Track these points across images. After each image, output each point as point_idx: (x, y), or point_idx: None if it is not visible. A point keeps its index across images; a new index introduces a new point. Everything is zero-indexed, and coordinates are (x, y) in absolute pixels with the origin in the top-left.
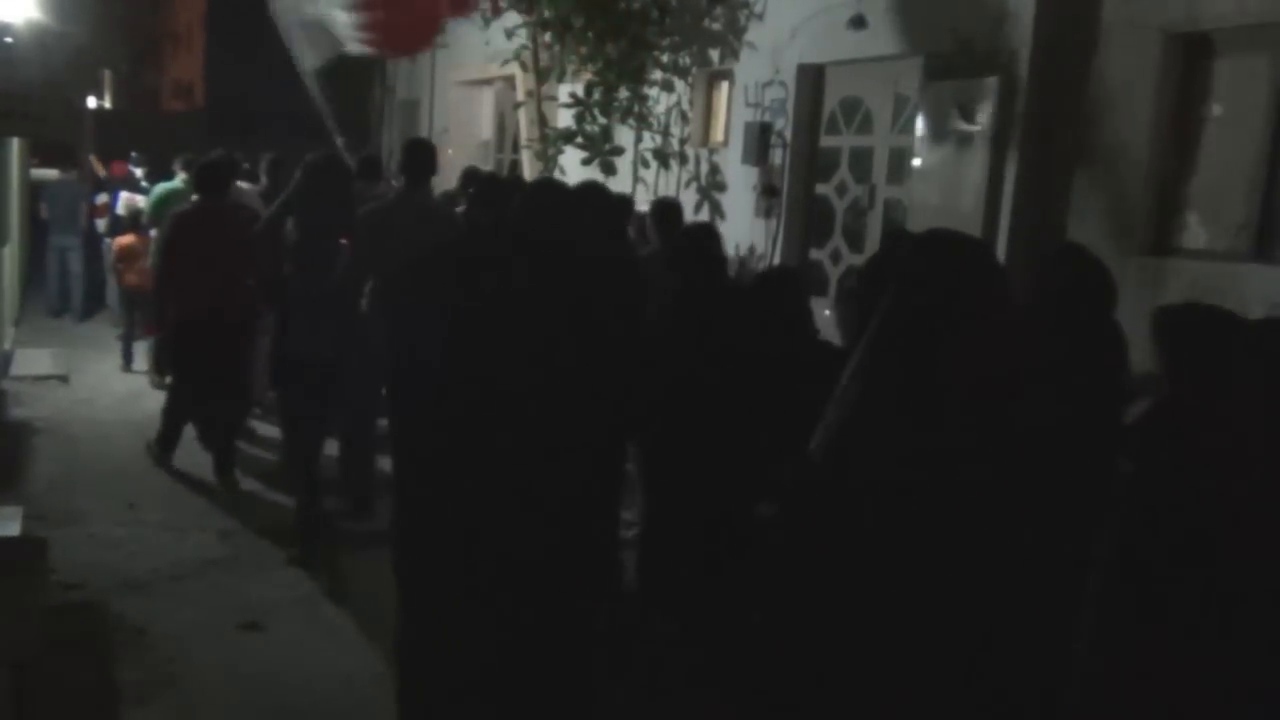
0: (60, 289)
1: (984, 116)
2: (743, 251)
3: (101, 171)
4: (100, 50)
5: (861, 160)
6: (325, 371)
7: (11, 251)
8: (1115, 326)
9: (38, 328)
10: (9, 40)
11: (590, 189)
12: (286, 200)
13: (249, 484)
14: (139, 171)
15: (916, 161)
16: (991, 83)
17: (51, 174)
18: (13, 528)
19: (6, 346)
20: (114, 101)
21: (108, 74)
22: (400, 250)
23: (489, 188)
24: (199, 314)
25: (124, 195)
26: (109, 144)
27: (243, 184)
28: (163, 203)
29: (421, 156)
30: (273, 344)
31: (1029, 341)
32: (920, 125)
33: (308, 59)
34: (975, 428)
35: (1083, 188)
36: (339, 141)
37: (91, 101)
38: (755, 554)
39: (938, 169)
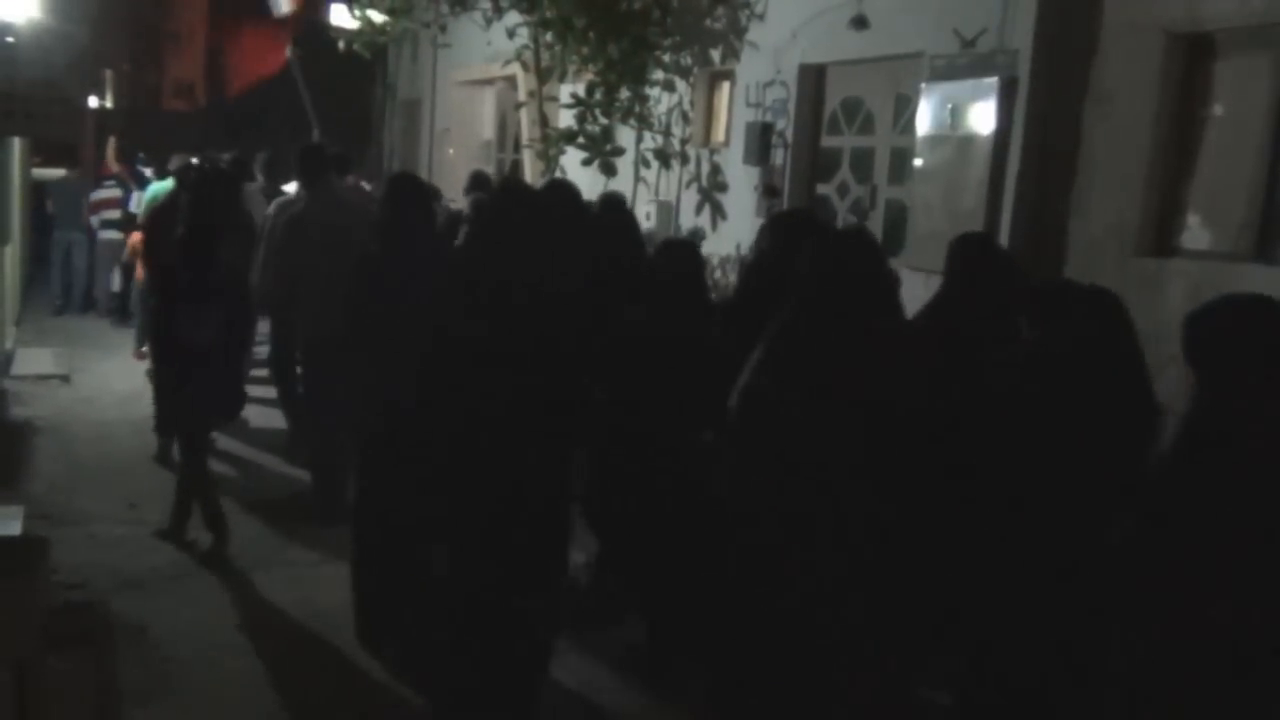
0: (63, 282)
1: (985, 117)
2: (743, 251)
3: (115, 166)
4: (102, 49)
5: (863, 160)
6: (203, 356)
7: (12, 251)
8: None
9: (39, 327)
10: (10, 40)
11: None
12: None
13: (246, 483)
14: (147, 171)
15: (918, 162)
16: (992, 83)
17: (57, 172)
18: (14, 527)
19: (8, 346)
20: (115, 100)
21: (109, 73)
22: (314, 248)
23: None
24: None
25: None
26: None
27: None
28: (155, 202)
29: (313, 162)
30: (154, 327)
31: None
32: (921, 125)
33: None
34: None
35: (1084, 188)
36: (314, 134)
37: (93, 101)
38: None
39: (939, 169)
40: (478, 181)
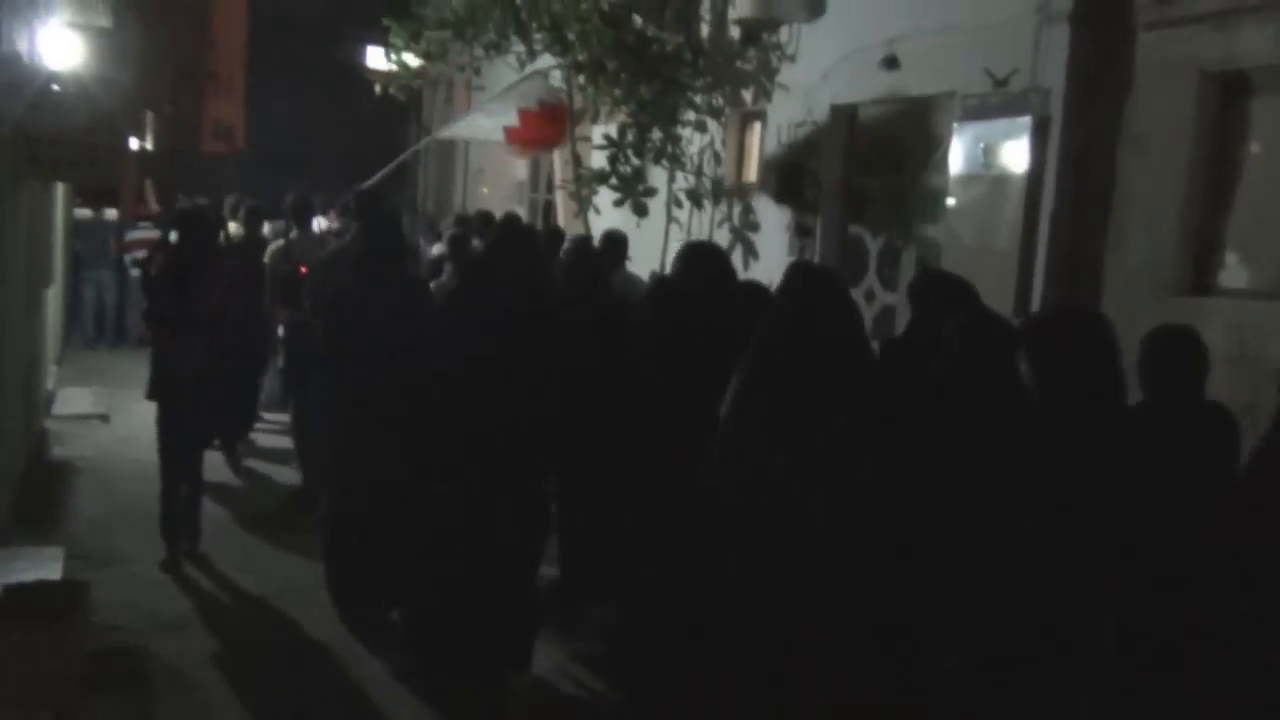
0: (96, 319)
1: (1018, 156)
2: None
3: (155, 207)
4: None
5: (895, 200)
6: (197, 385)
7: (55, 292)
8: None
9: (79, 366)
10: (56, 88)
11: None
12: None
13: (284, 523)
14: None
15: (951, 201)
16: (1025, 122)
17: (85, 213)
18: (55, 569)
19: (50, 386)
20: (155, 142)
21: (149, 114)
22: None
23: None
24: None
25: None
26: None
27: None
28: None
29: (365, 205)
30: (152, 360)
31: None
32: (954, 165)
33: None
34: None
35: (1119, 227)
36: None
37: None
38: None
39: (972, 208)
40: (459, 220)
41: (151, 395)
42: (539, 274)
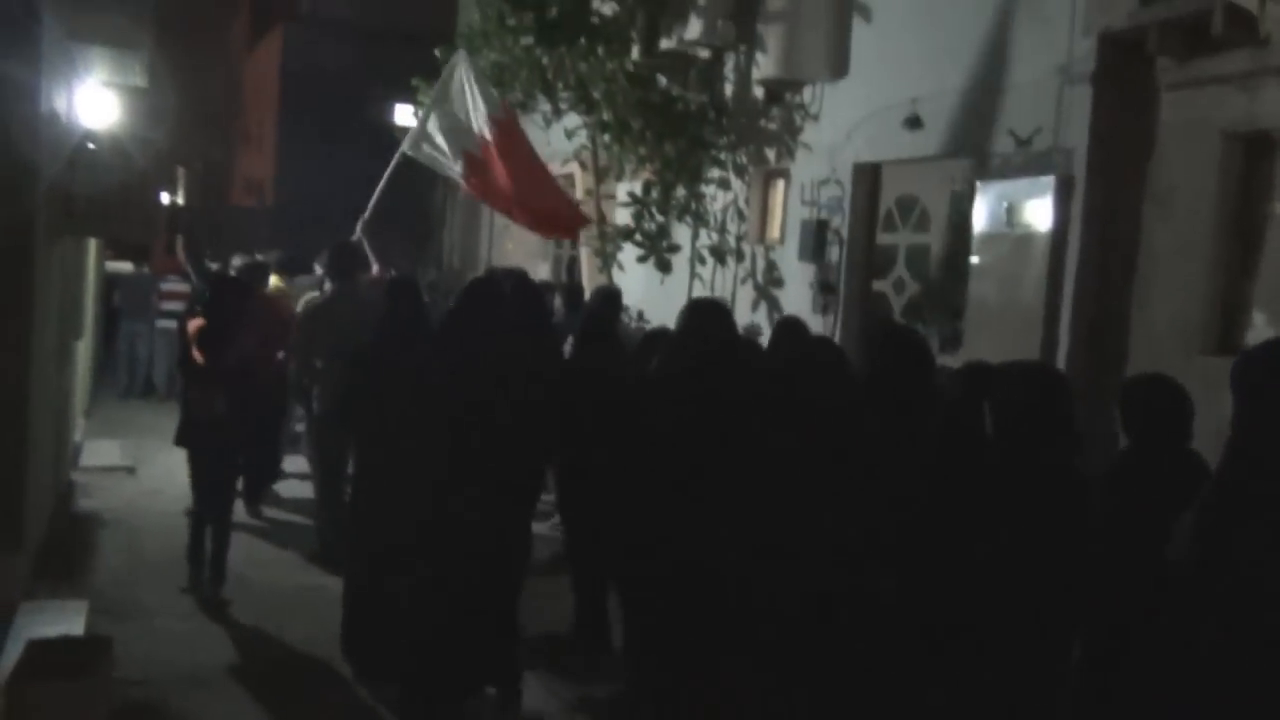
0: (129, 370)
1: (1042, 214)
2: None
3: (182, 258)
4: (177, 148)
5: (918, 257)
6: (222, 432)
7: (86, 345)
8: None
9: (107, 419)
10: (92, 146)
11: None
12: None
13: (306, 577)
14: (214, 266)
15: (974, 259)
16: (1049, 181)
17: (125, 266)
18: (78, 623)
19: (77, 438)
20: (186, 198)
21: (181, 170)
22: (338, 337)
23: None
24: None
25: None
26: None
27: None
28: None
29: (345, 258)
30: (182, 408)
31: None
32: (978, 223)
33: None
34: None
35: (1145, 286)
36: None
37: (165, 197)
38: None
39: (996, 266)
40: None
41: (180, 441)
42: (506, 327)
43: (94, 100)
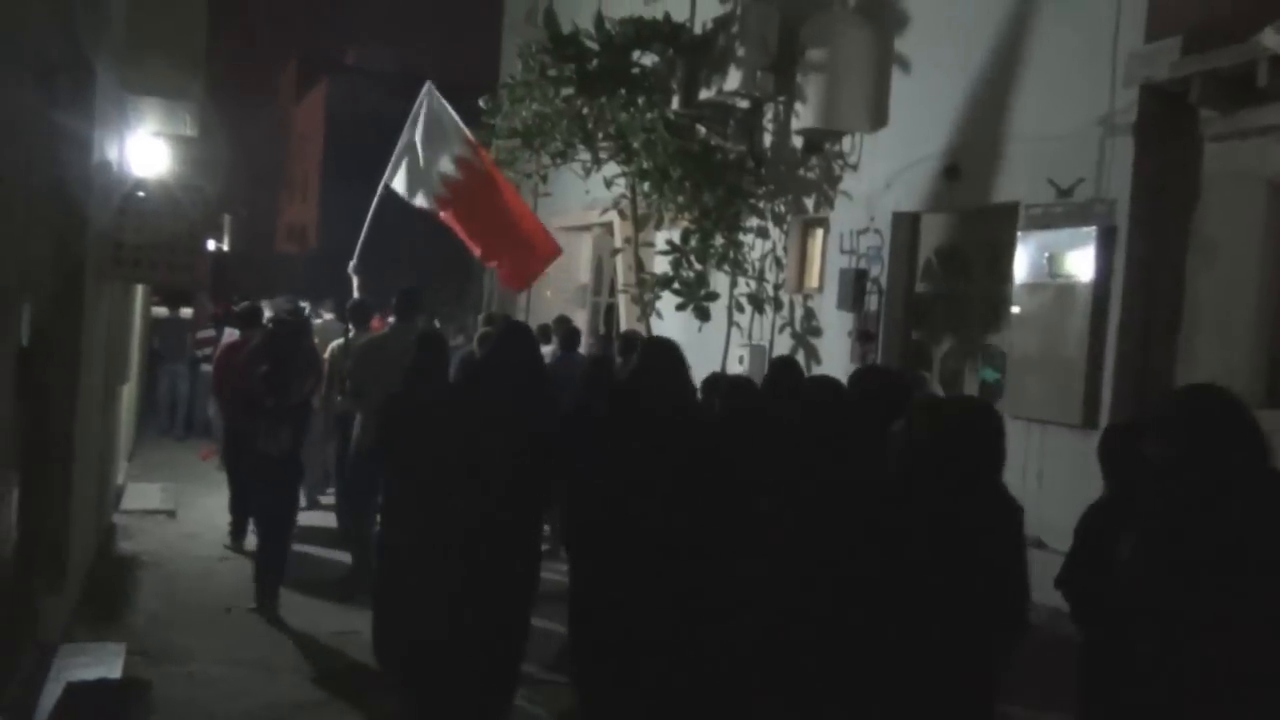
0: (170, 410)
1: (1084, 265)
2: None
3: (211, 309)
4: (223, 196)
5: (958, 306)
6: (284, 463)
7: (130, 389)
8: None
9: (149, 462)
10: (142, 195)
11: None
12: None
13: (342, 620)
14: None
15: (1015, 309)
16: (1090, 231)
17: (163, 312)
18: (116, 666)
19: (120, 481)
20: (232, 244)
21: (227, 217)
22: (392, 373)
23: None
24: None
25: (227, 330)
26: (226, 285)
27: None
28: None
29: (408, 301)
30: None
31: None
32: (1019, 273)
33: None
34: None
35: (1189, 337)
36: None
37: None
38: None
39: (1037, 317)
40: (489, 319)
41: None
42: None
43: (145, 149)
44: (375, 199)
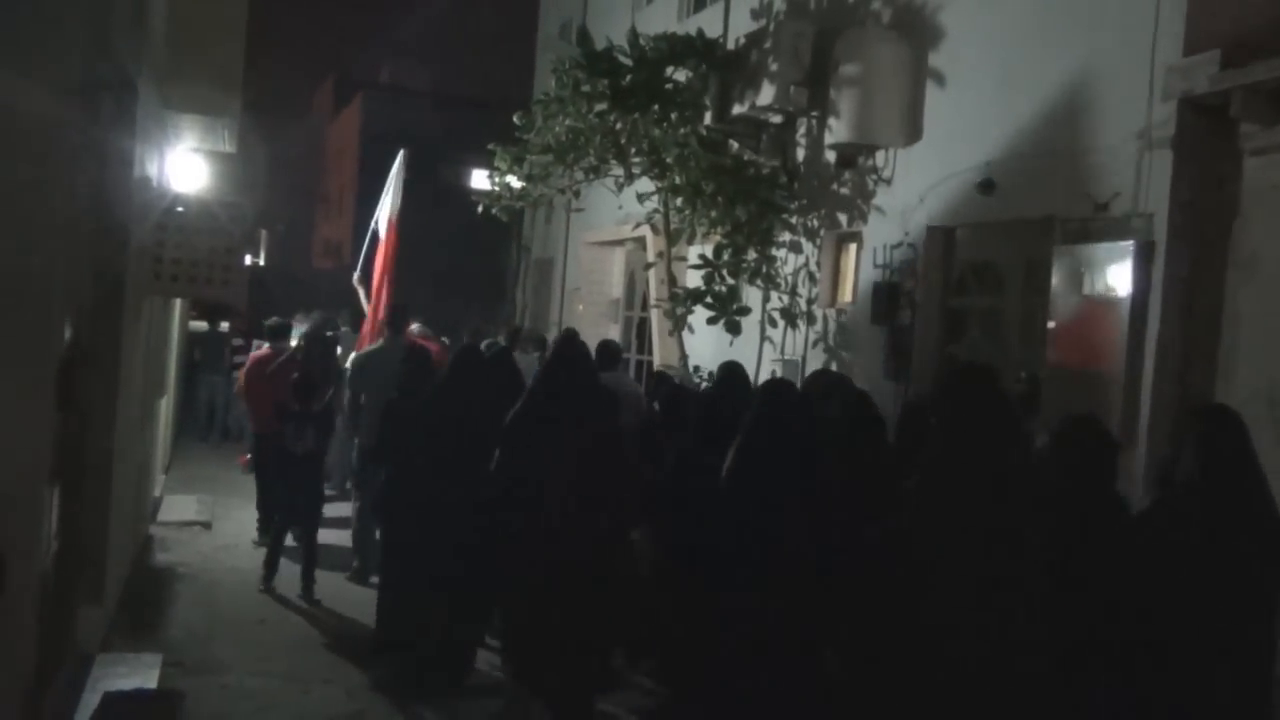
0: (208, 417)
1: (1121, 280)
2: None
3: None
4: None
5: (993, 322)
6: (310, 462)
7: (168, 402)
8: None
9: (186, 474)
10: (181, 210)
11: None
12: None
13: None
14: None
15: (1051, 324)
16: (1128, 246)
17: (202, 325)
18: (151, 677)
19: (157, 493)
20: (268, 259)
21: (264, 233)
22: (387, 381)
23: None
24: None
25: (255, 341)
26: (263, 300)
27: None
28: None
29: (399, 316)
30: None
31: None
32: (1055, 288)
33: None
34: None
35: (1229, 352)
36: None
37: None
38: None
39: (1074, 332)
40: (514, 333)
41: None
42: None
43: (184, 165)
44: (373, 222)
